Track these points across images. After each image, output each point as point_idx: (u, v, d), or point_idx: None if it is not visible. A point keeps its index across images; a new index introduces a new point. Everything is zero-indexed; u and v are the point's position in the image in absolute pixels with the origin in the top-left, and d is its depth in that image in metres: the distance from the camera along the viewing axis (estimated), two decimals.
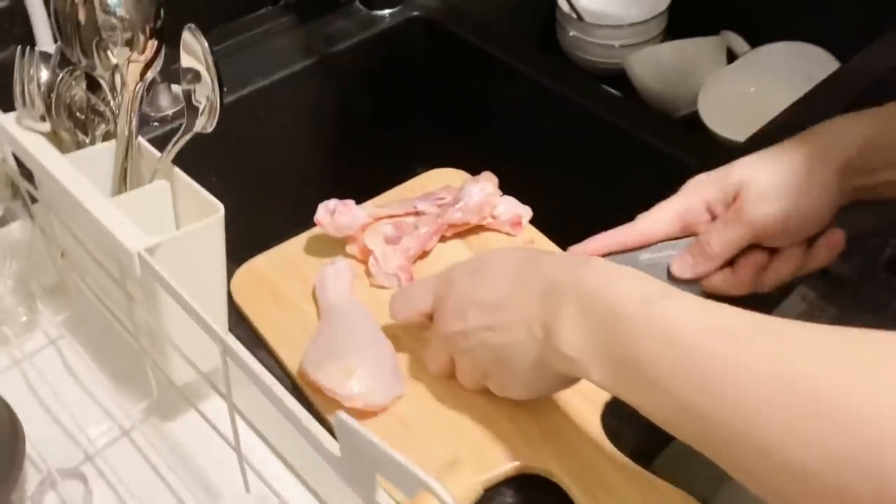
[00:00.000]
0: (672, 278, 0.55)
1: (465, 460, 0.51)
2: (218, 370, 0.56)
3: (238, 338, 0.61)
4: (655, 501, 0.49)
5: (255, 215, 0.87)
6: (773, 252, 0.54)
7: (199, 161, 0.54)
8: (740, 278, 0.54)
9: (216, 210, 0.47)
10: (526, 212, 0.65)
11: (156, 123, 0.77)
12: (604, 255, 0.57)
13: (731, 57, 1.01)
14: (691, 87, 0.97)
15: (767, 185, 0.52)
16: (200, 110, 0.47)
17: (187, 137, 0.49)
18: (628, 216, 0.75)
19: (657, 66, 1.00)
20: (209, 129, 0.48)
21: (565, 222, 0.73)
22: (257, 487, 0.48)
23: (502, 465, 0.52)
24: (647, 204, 0.76)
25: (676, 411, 0.39)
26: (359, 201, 0.66)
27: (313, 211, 0.64)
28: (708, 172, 0.56)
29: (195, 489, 0.53)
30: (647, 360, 0.40)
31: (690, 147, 0.79)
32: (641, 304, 0.41)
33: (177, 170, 0.50)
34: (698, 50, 1.02)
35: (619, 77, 1.02)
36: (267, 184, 0.87)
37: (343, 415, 0.32)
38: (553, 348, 0.45)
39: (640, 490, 0.50)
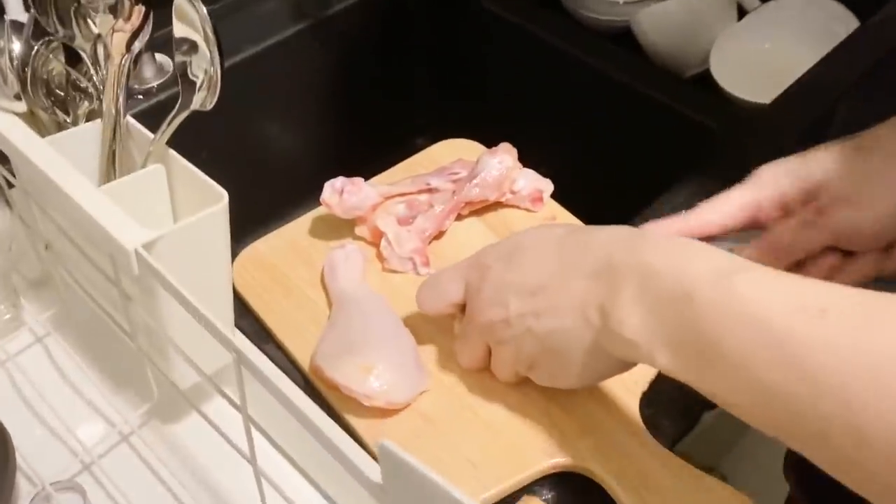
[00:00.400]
0: None
1: (497, 460, 0.48)
2: (225, 369, 0.52)
3: (242, 330, 0.57)
4: (703, 499, 0.46)
5: (251, 193, 0.82)
6: (846, 254, 0.50)
7: (187, 136, 0.48)
8: None
9: (219, 197, 0.42)
10: (547, 186, 0.61)
11: (140, 97, 0.71)
12: None
13: (742, 12, 0.96)
14: (700, 44, 0.93)
15: (853, 187, 0.48)
16: (198, 85, 0.42)
17: (184, 115, 0.43)
18: (648, 185, 0.71)
19: (665, 22, 0.95)
20: (209, 107, 0.43)
21: (583, 193, 0.68)
22: (273, 499, 0.44)
23: (537, 463, 0.48)
24: (666, 170, 0.73)
25: (762, 399, 0.35)
26: (362, 173, 0.61)
27: (314, 186, 0.59)
28: (784, 161, 0.51)
29: (204, 498, 0.49)
30: (727, 345, 0.36)
31: (709, 108, 0.76)
32: (716, 281, 0.37)
33: (172, 152, 0.45)
34: (707, 5, 0.96)
35: (625, 35, 0.96)
36: (262, 158, 0.82)
37: (389, 444, 0.28)
38: (612, 332, 0.41)
39: (687, 487, 0.46)
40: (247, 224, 0.83)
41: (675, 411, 0.52)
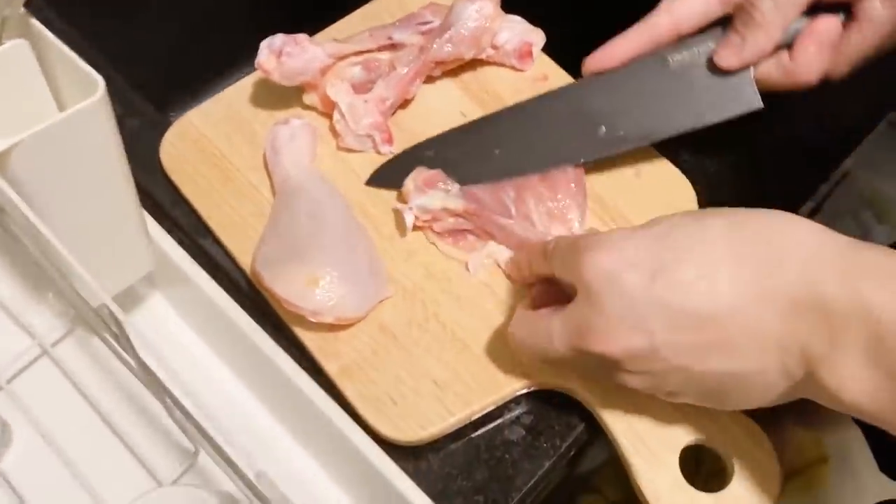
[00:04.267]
0: (716, 73, 0.43)
1: (465, 380, 0.41)
2: (150, 275, 0.45)
3: (176, 221, 0.49)
4: (694, 425, 0.40)
5: (203, 33, 0.71)
6: (848, 18, 0.39)
7: None
8: (801, 60, 0.39)
9: (94, 86, 0.32)
10: (538, 38, 0.50)
11: None
12: (629, 63, 0.44)
13: None
14: None
15: None
16: None
17: None
18: None
19: None
20: None
21: (582, 44, 0.57)
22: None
23: (511, 384, 0.42)
24: None
25: None
26: (318, 18, 0.50)
27: (269, 24, 0.49)
28: None
29: (133, 417, 0.43)
30: None
31: None
32: None
33: (35, 23, 0.35)
34: None
35: None
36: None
37: None
38: (824, 389, 0.32)
39: (679, 411, 0.40)
40: (192, 65, 0.72)
41: None
